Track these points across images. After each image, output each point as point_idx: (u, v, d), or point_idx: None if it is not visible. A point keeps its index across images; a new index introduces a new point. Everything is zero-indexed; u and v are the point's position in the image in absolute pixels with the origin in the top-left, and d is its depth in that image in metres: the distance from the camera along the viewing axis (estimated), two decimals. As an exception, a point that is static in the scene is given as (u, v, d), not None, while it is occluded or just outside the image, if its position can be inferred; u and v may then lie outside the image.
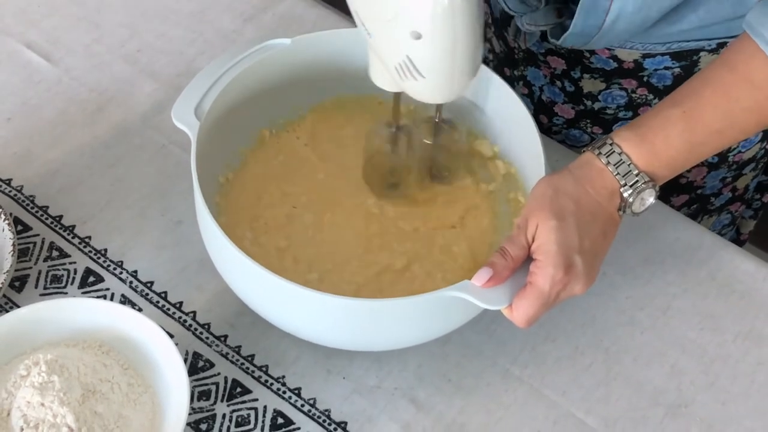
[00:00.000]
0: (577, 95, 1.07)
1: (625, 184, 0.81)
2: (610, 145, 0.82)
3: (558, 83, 1.07)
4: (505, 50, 1.11)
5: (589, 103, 1.06)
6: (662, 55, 0.99)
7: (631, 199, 0.81)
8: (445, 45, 0.77)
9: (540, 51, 1.06)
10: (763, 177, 1.18)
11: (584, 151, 0.83)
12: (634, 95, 1.04)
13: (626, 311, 0.94)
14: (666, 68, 1.00)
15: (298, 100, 0.98)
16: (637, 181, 0.81)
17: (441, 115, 0.91)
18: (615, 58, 1.01)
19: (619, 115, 1.06)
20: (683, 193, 1.11)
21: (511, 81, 1.13)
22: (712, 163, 1.08)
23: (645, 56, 1.00)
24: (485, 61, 1.14)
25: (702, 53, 0.99)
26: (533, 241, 0.79)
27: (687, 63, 1.00)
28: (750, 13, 0.81)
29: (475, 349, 0.92)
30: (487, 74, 0.93)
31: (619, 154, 0.81)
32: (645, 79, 1.02)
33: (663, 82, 1.02)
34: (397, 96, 0.89)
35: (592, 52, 1.02)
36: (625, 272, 0.96)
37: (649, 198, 0.82)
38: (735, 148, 1.07)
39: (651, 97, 1.03)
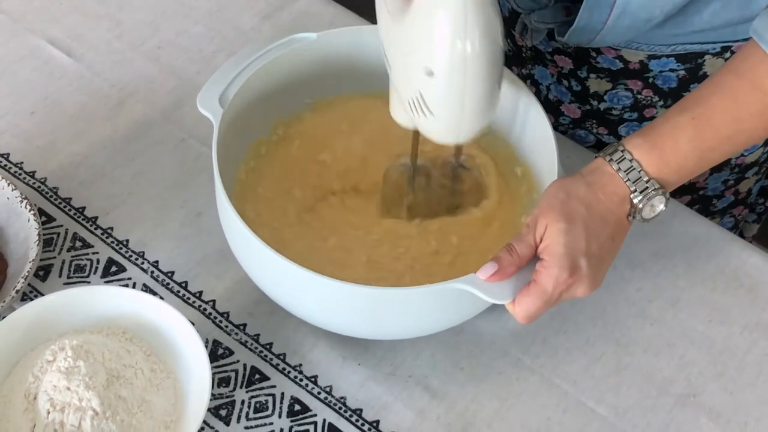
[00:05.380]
0: (584, 95, 1.08)
1: (635, 191, 0.82)
2: (621, 151, 0.83)
3: (565, 82, 1.09)
4: (513, 49, 1.12)
5: (595, 103, 1.08)
6: (667, 57, 1.01)
7: (641, 206, 0.83)
8: (455, 85, 0.77)
9: (547, 50, 1.08)
10: (765, 182, 1.20)
11: (596, 157, 0.85)
12: (639, 96, 1.05)
13: (636, 303, 0.96)
14: (671, 70, 1.02)
15: (322, 94, 1.00)
16: (647, 187, 0.82)
17: (459, 159, 0.92)
18: (621, 58, 1.03)
19: (625, 116, 1.08)
20: (685, 194, 1.13)
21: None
22: (715, 165, 1.10)
23: (650, 57, 1.01)
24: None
25: (707, 56, 1.00)
26: (541, 241, 0.80)
27: (692, 65, 1.01)
28: (757, 19, 0.82)
29: (488, 339, 0.94)
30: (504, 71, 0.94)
31: (630, 160, 0.83)
32: (650, 80, 1.04)
33: (668, 84, 1.03)
34: (416, 134, 0.88)
35: (599, 52, 1.03)
36: (635, 266, 0.98)
37: (659, 205, 0.83)
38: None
39: (656, 98, 1.05)
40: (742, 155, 1.09)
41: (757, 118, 0.83)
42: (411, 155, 0.91)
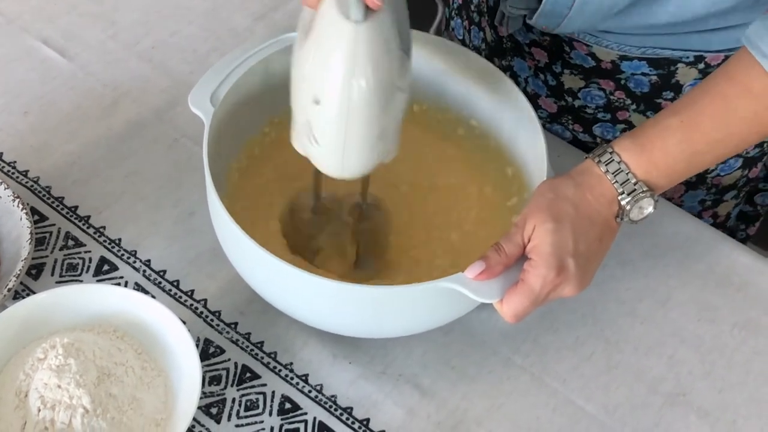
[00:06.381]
0: (559, 90, 1.09)
1: (623, 192, 0.83)
2: (610, 153, 0.84)
3: (541, 76, 1.09)
4: (495, 40, 1.13)
5: (569, 99, 1.09)
6: (639, 59, 1.01)
7: (628, 207, 0.83)
8: (338, 116, 0.78)
9: (525, 41, 1.08)
10: (746, 207, 1.20)
11: (585, 158, 0.85)
12: (612, 97, 1.06)
13: (626, 302, 0.97)
14: (643, 74, 1.02)
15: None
16: (635, 189, 0.83)
17: (365, 197, 0.92)
18: (593, 55, 1.03)
19: (598, 115, 1.08)
20: None
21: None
22: (690, 182, 1.10)
23: (622, 58, 1.02)
24: (477, 52, 1.17)
25: (680, 65, 1.00)
26: (529, 241, 0.81)
27: (664, 72, 1.01)
28: (750, 27, 0.83)
29: (478, 338, 0.94)
30: (494, 71, 0.95)
31: (618, 162, 0.83)
32: (622, 82, 1.04)
33: (640, 89, 1.04)
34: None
35: (572, 47, 1.04)
36: (626, 264, 0.99)
37: (648, 207, 0.84)
38: (714, 170, 1.09)
39: (628, 102, 1.05)
40: (718, 174, 1.09)
41: (748, 123, 0.84)
42: (314, 189, 0.91)
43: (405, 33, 0.79)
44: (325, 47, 0.76)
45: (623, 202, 0.83)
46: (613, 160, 0.83)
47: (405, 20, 0.80)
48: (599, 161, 0.84)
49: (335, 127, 0.79)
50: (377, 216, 0.95)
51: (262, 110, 0.97)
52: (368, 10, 0.74)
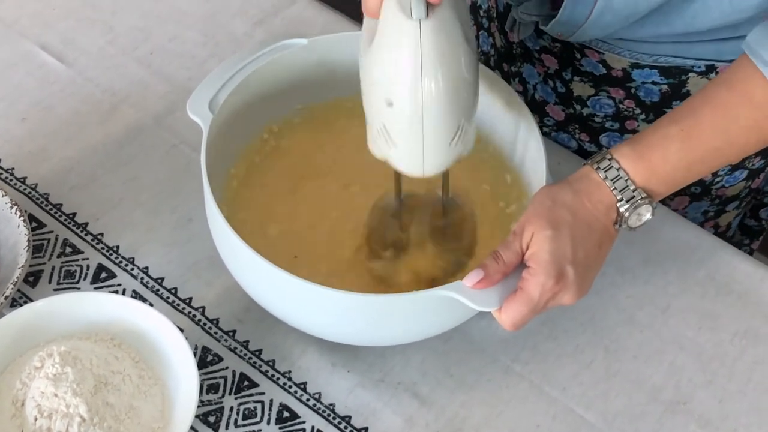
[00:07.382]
0: (568, 97, 1.08)
1: (622, 199, 0.82)
2: (609, 160, 0.83)
3: (550, 83, 1.09)
4: (505, 45, 1.13)
5: (578, 107, 1.08)
6: (651, 67, 1.00)
7: (627, 214, 0.83)
8: (413, 117, 0.77)
9: (535, 48, 1.08)
10: (750, 221, 1.19)
11: (584, 165, 0.85)
12: (621, 106, 1.05)
13: (626, 310, 0.96)
14: (654, 83, 1.02)
15: (313, 100, 1.00)
16: (633, 196, 0.82)
17: (447, 192, 0.91)
18: (604, 63, 1.03)
19: (606, 125, 1.08)
20: None
21: (508, 77, 1.14)
22: (695, 193, 1.10)
23: (633, 66, 1.01)
24: (487, 57, 1.17)
25: (691, 74, 1.00)
26: (527, 248, 0.80)
27: (675, 81, 1.01)
28: (750, 34, 0.82)
29: (477, 346, 0.94)
30: (493, 77, 0.95)
31: (617, 169, 0.83)
32: (632, 90, 1.03)
33: (650, 98, 1.03)
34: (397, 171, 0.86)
35: (583, 54, 1.03)
36: (625, 272, 0.98)
37: (646, 214, 0.84)
38: (719, 181, 1.08)
39: (638, 111, 1.05)
40: (723, 186, 1.09)
41: (747, 131, 0.83)
42: (395, 191, 0.91)
43: (466, 25, 0.79)
44: (391, 48, 0.76)
45: (622, 209, 0.83)
46: (612, 166, 0.83)
47: (465, 12, 0.79)
48: (598, 168, 0.83)
49: (411, 128, 0.78)
50: (460, 211, 0.94)
51: (261, 117, 0.97)
52: (429, 7, 0.74)
